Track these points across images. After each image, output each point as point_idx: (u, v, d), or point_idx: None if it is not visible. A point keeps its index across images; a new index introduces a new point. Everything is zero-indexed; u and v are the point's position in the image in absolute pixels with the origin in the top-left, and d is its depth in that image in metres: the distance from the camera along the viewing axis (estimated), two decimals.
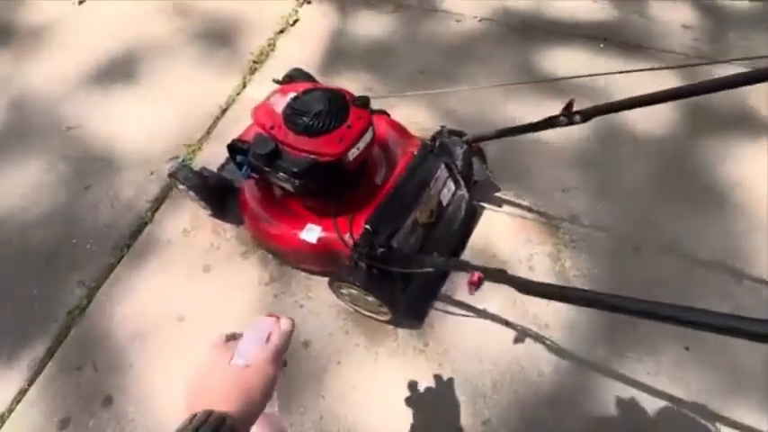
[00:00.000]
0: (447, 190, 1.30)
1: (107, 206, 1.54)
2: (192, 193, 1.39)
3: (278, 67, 1.71)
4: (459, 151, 1.30)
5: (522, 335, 1.24)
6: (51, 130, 1.73)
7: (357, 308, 1.28)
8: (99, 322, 1.32)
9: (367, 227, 1.10)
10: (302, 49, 1.91)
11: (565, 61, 1.82)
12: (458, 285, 1.32)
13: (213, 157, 1.56)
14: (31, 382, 1.24)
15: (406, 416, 1.15)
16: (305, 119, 1.06)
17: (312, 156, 1.06)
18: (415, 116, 1.64)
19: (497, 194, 1.48)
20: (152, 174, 1.60)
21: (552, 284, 0.84)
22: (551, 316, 1.26)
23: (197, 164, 1.55)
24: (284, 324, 0.60)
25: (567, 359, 1.21)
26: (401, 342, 1.26)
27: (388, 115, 1.44)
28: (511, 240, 1.40)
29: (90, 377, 1.24)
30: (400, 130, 1.38)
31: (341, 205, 1.19)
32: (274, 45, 1.93)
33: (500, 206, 1.47)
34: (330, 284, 1.22)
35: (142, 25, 2.03)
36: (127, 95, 1.81)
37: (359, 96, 1.12)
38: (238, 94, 1.78)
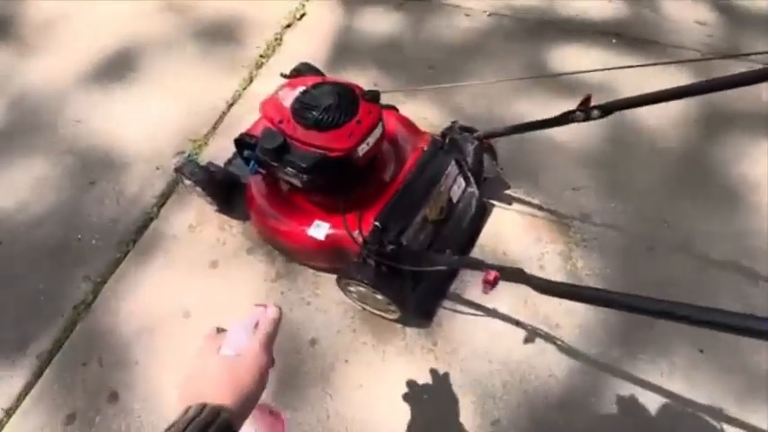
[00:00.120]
0: (457, 187, 1.28)
1: (113, 201, 1.53)
2: (198, 189, 1.38)
3: (285, 61, 1.69)
4: (470, 147, 1.28)
5: (532, 335, 1.22)
6: (57, 125, 1.72)
7: (365, 306, 1.27)
8: (105, 317, 1.31)
9: (376, 224, 1.08)
10: (309, 43, 1.89)
11: (576, 57, 1.79)
12: (467, 284, 1.30)
13: (219, 152, 1.54)
14: (37, 377, 1.24)
15: (414, 415, 1.13)
16: (314, 113, 1.04)
17: (321, 151, 1.04)
18: (423, 112, 1.62)
19: (507, 192, 1.46)
20: (158, 169, 1.58)
21: (572, 284, 0.82)
22: (563, 316, 1.24)
23: (203, 159, 1.54)
24: (271, 311, 0.59)
25: (578, 360, 1.19)
26: (409, 341, 1.24)
27: (397, 110, 1.42)
28: (521, 239, 1.38)
29: (96, 373, 1.23)
30: (410, 126, 1.35)
31: (349, 201, 1.17)
32: (281, 39, 1.91)
33: (510, 204, 1.45)
34: (338, 282, 1.20)
35: (148, 21, 2.01)
36: (132, 91, 1.79)
37: (369, 91, 1.10)
38: (245, 88, 1.77)
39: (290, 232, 1.22)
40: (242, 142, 1.26)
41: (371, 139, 1.07)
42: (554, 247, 1.36)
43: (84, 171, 1.60)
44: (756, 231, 1.37)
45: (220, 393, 0.49)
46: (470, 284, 1.30)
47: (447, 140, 1.28)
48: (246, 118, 1.34)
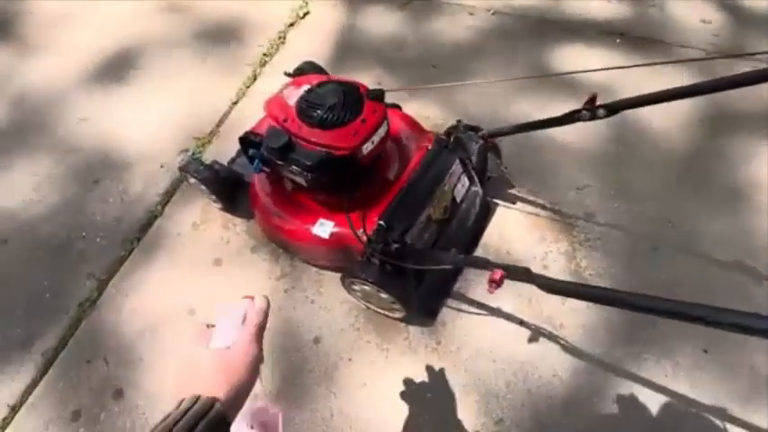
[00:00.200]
0: (461, 186, 1.28)
1: (117, 200, 1.53)
2: (202, 187, 1.38)
3: (288, 60, 1.69)
4: (475, 147, 1.27)
5: (536, 334, 1.22)
6: (59, 124, 1.72)
7: (369, 304, 1.27)
8: (109, 315, 1.32)
9: (381, 222, 1.08)
10: (313, 42, 1.89)
11: (580, 57, 1.78)
12: (471, 283, 1.30)
13: (223, 150, 1.54)
14: (42, 374, 1.24)
15: (417, 414, 1.14)
16: (319, 112, 1.04)
17: (325, 149, 1.04)
18: (426, 111, 1.62)
19: (511, 191, 1.46)
20: (162, 167, 1.59)
21: (580, 283, 0.82)
22: (567, 316, 1.24)
23: (207, 157, 1.54)
24: (258, 301, 0.60)
25: (582, 360, 1.19)
26: (413, 340, 1.24)
27: (401, 109, 1.42)
28: (525, 238, 1.38)
29: (101, 370, 1.24)
30: (414, 125, 1.35)
31: (354, 200, 1.17)
32: (285, 38, 1.91)
33: (514, 203, 1.44)
34: (342, 280, 1.20)
35: (150, 21, 2.02)
36: (135, 90, 1.80)
37: (373, 89, 1.10)
38: (249, 87, 1.77)
39: (295, 231, 1.22)
40: (246, 141, 1.26)
41: (376, 138, 1.07)
42: (558, 247, 1.36)
43: (87, 170, 1.61)
44: (761, 231, 1.37)
45: (213, 386, 0.49)
46: (474, 284, 1.30)
47: (451, 139, 1.28)
48: (250, 116, 1.34)
